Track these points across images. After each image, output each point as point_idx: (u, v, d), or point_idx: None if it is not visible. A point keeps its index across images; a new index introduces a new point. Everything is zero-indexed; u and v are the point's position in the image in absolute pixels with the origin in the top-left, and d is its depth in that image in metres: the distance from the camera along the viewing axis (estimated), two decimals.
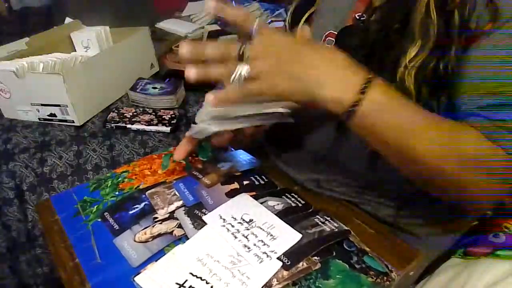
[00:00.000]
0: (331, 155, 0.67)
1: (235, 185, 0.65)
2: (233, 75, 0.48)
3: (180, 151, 0.63)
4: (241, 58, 0.48)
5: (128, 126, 1.16)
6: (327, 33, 0.67)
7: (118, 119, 1.18)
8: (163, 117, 1.21)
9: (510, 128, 0.48)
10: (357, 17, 0.62)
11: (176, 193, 0.65)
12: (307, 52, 0.49)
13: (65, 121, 1.16)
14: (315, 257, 0.52)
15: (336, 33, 0.65)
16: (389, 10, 0.58)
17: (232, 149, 0.77)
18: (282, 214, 0.58)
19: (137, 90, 1.28)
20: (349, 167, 0.64)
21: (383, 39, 0.57)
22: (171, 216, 0.60)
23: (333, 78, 0.48)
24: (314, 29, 0.70)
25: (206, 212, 0.59)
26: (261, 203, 0.61)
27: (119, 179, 0.69)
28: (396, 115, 0.49)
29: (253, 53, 0.48)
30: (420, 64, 0.53)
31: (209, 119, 0.57)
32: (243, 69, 0.48)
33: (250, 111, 0.55)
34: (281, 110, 0.56)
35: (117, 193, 0.66)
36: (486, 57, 0.50)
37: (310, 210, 0.61)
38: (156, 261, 0.52)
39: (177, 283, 0.48)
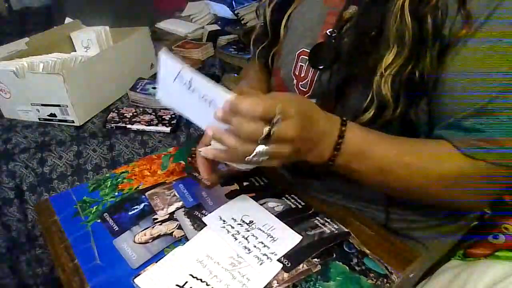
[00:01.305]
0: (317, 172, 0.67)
1: (235, 186, 0.65)
2: (252, 155, 0.47)
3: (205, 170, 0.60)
4: (267, 137, 0.46)
5: (128, 126, 1.16)
6: (299, 51, 0.66)
7: (118, 119, 1.18)
8: (163, 117, 1.21)
9: (491, 142, 0.50)
10: (328, 34, 0.61)
11: (176, 194, 0.64)
12: (308, 138, 0.51)
13: (65, 121, 1.16)
14: (315, 259, 0.52)
15: (308, 50, 0.64)
16: (362, 18, 0.57)
17: None
18: (282, 216, 0.58)
19: (137, 90, 1.28)
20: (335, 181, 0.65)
21: (357, 49, 0.56)
22: (171, 217, 0.60)
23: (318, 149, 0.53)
24: (286, 47, 0.70)
25: (206, 213, 0.59)
26: (261, 204, 0.61)
27: (119, 179, 0.69)
28: (371, 160, 0.54)
29: (280, 138, 0.47)
30: (396, 72, 0.52)
31: None
32: (262, 150, 0.47)
33: None
34: None
35: (116, 193, 0.66)
36: (466, 67, 0.50)
37: (310, 212, 0.60)
38: (156, 262, 0.52)
39: (177, 285, 0.48)
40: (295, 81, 0.67)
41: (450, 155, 0.53)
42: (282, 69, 0.70)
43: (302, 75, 0.66)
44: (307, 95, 0.65)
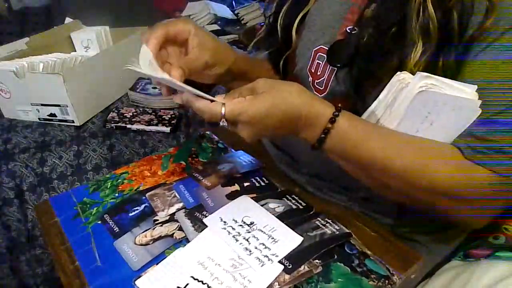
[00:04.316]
0: (326, 174, 0.67)
1: (236, 187, 0.65)
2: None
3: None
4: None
5: (128, 126, 1.16)
6: (317, 48, 0.64)
7: (118, 119, 1.18)
8: (163, 117, 1.20)
9: (497, 148, 0.48)
10: (348, 31, 0.60)
11: (176, 195, 0.64)
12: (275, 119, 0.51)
13: (65, 121, 1.16)
14: (317, 261, 0.51)
15: (326, 48, 0.62)
16: (381, 15, 0.56)
17: (232, 150, 0.77)
18: (283, 217, 0.58)
19: (137, 90, 1.28)
20: (344, 183, 0.64)
21: (376, 46, 0.55)
22: (172, 218, 0.60)
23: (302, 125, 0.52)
24: (303, 44, 0.68)
25: (206, 214, 0.59)
26: (262, 205, 0.60)
27: (119, 180, 0.69)
28: (360, 151, 0.52)
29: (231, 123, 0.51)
30: (423, 69, 0.51)
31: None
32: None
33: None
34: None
35: (116, 194, 0.65)
36: (484, 73, 0.49)
37: (311, 213, 0.60)
38: (157, 264, 0.52)
39: (178, 287, 0.48)
40: (310, 78, 0.65)
41: (453, 158, 0.51)
42: (297, 65, 0.68)
43: (318, 73, 0.64)
44: (323, 94, 0.64)
